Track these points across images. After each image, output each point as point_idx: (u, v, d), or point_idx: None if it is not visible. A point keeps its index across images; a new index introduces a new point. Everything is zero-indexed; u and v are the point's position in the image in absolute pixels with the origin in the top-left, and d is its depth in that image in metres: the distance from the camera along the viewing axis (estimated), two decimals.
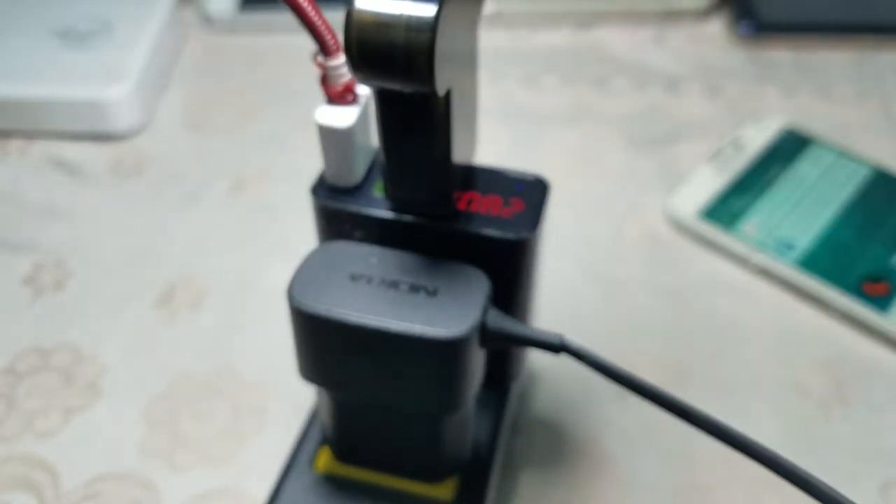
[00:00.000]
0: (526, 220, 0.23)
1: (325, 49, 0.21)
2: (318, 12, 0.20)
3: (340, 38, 0.19)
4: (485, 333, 0.21)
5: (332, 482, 0.26)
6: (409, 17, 0.17)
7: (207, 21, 0.50)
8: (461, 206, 0.23)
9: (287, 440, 0.28)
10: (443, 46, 0.18)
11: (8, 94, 0.41)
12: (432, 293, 0.21)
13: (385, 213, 0.23)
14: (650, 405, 0.21)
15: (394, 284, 0.21)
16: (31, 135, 0.42)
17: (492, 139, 0.41)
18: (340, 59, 0.21)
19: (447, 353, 0.20)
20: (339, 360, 0.22)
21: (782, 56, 0.48)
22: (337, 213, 0.23)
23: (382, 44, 0.18)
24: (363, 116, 0.22)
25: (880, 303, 0.33)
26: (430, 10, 0.17)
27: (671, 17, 0.50)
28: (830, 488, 0.19)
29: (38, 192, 0.39)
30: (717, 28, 0.50)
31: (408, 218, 0.22)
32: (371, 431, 0.25)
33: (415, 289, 0.21)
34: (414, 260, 0.22)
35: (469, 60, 0.22)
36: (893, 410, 0.31)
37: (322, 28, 0.20)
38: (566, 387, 0.31)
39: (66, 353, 0.32)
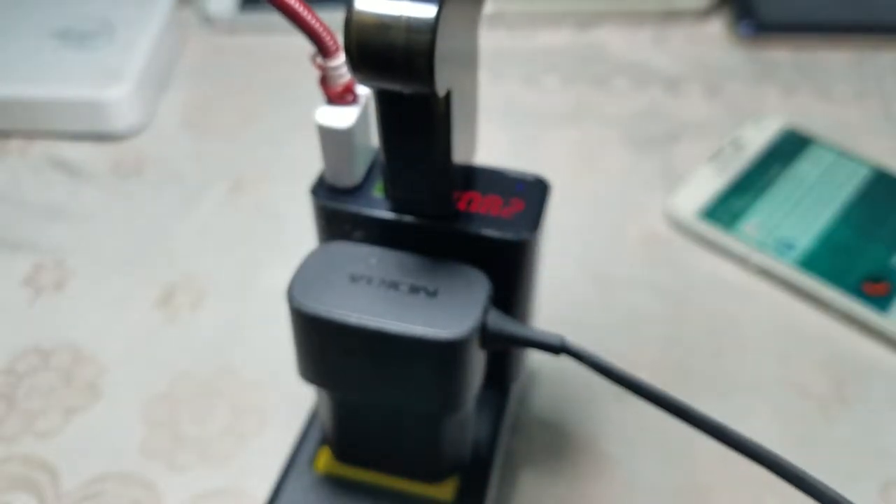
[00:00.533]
0: (526, 220, 0.22)
1: (323, 50, 0.21)
2: (312, 14, 0.20)
3: (339, 38, 0.19)
4: (485, 334, 0.21)
5: (332, 482, 0.26)
6: (409, 18, 0.17)
7: (207, 21, 0.50)
8: (461, 206, 0.23)
9: (287, 440, 0.28)
10: (443, 47, 0.18)
11: (8, 94, 0.41)
12: (432, 294, 0.21)
13: (385, 214, 0.23)
14: (650, 406, 0.21)
15: (394, 285, 0.21)
16: (31, 135, 0.42)
17: (492, 139, 0.41)
18: (340, 60, 0.21)
19: (447, 354, 0.20)
20: (339, 361, 0.22)
21: (782, 56, 0.48)
22: (337, 213, 0.23)
23: (382, 45, 0.18)
24: (363, 117, 0.22)
25: (880, 303, 0.33)
26: (430, 11, 0.17)
27: (671, 17, 0.50)
28: (830, 489, 0.19)
29: (38, 192, 0.39)
30: (717, 28, 0.50)
31: (408, 218, 0.22)
32: (371, 432, 0.25)
33: (415, 289, 0.21)
34: (414, 260, 0.22)
35: (469, 61, 0.22)
36: (893, 410, 0.31)
37: (319, 30, 0.20)
38: (566, 387, 0.31)
39: (66, 353, 0.32)
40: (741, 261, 0.36)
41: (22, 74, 0.42)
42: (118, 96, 0.41)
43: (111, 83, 0.41)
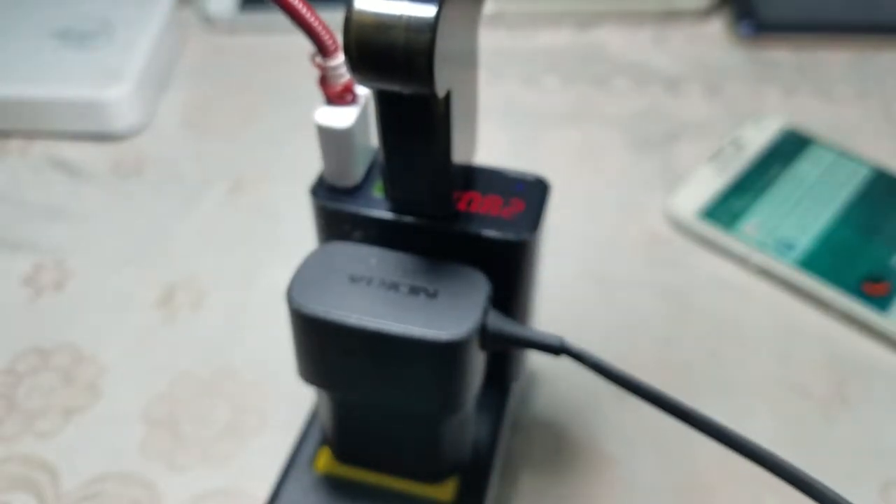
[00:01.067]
0: (526, 220, 0.22)
1: (322, 50, 0.21)
2: (313, 13, 0.20)
3: (338, 38, 0.19)
4: (485, 335, 0.21)
5: (332, 482, 0.26)
6: (409, 18, 0.17)
7: (207, 21, 0.50)
8: (461, 206, 0.23)
9: (287, 440, 0.28)
10: (443, 47, 0.18)
11: (8, 94, 0.41)
12: (432, 295, 0.21)
13: (384, 214, 0.23)
14: (650, 407, 0.21)
15: (393, 286, 0.21)
16: (31, 135, 0.42)
17: (492, 139, 0.41)
18: (339, 59, 0.21)
19: (447, 355, 0.20)
20: (339, 362, 0.22)
21: (782, 56, 0.48)
22: (336, 213, 0.23)
23: (382, 45, 0.17)
24: (362, 117, 0.22)
25: (880, 303, 0.33)
26: (429, 11, 0.17)
27: (671, 17, 0.50)
28: (830, 490, 0.18)
29: (38, 192, 0.39)
30: (717, 28, 0.50)
31: (407, 218, 0.22)
32: (371, 432, 0.25)
33: (415, 290, 0.21)
34: (414, 261, 0.22)
35: (469, 61, 0.21)
36: (893, 410, 0.31)
37: (319, 29, 0.20)
38: (566, 387, 0.31)
39: (66, 353, 0.32)
40: (741, 261, 0.36)
41: (22, 74, 0.42)
42: (118, 96, 0.41)
43: (111, 83, 0.41)
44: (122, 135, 0.42)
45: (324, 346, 0.22)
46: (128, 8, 0.46)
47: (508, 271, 0.23)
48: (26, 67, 0.42)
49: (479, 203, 0.23)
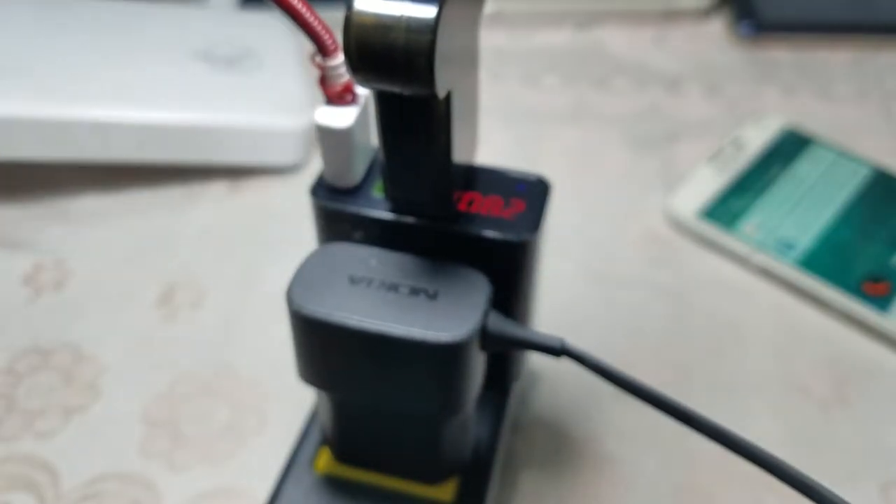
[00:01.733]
0: (527, 221, 0.22)
1: (322, 49, 0.21)
2: (312, 13, 0.20)
3: (338, 38, 0.19)
4: (485, 337, 0.21)
5: (332, 483, 0.26)
6: (409, 19, 0.17)
7: None
8: (462, 206, 0.23)
9: (287, 440, 0.28)
10: (443, 48, 0.18)
11: (181, 120, 0.38)
12: (432, 296, 0.21)
13: (385, 214, 0.23)
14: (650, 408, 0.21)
15: (394, 287, 0.21)
16: (208, 170, 0.40)
17: (492, 139, 0.41)
18: (339, 59, 0.21)
19: (447, 357, 0.20)
20: (339, 364, 0.22)
21: (782, 56, 0.48)
22: (336, 213, 0.23)
23: (382, 46, 0.17)
24: (362, 116, 0.22)
25: (880, 303, 0.33)
26: (430, 12, 0.17)
27: (671, 17, 0.50)
28: (832, 493, 0.18)
29: (37, 192, 0.39)
30: (717, 28, 0.50)
31: (408, 219, 0.22)
32: (371, 433, 0.25)
33: (415, 291, 0.21)
34: (414, 262, 0.22)
35: (470, 61, 0.21)
36: (894, 410, 0.31)
37: (318, 28, 0.20)
38: (567, 387, 0.31)
39: (66, 353, 0.32)
40: (741, 261, 0.36)
41: (181, 100, 0.38)
42: (301, 126, 0.39)
43: (293, 112, 0.39)
44: (293, 168, 0.40)
45: (324, 348, 0.21)
46: (253, 29, 0.44)
47: (509, 272, 0.23)
48: (182, 93, 0.39)
49: (480, 203, 0.23)
